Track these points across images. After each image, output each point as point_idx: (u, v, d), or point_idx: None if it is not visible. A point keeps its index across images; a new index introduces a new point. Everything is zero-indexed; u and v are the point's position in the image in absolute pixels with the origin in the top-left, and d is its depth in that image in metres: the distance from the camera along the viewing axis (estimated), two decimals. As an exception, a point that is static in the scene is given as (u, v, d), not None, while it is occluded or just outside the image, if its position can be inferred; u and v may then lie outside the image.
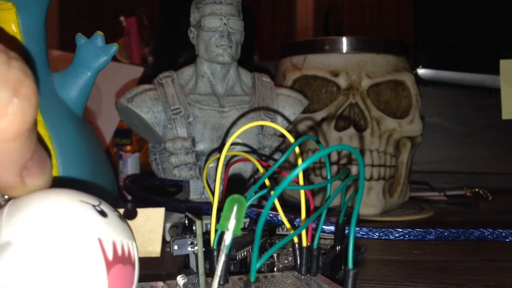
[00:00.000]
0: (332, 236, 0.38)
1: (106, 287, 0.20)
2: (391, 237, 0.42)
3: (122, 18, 1.11)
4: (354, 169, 0.60)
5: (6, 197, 0.22)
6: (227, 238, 0.24)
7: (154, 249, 0.26)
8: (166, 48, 0.90)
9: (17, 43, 0.39)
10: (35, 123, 0.21)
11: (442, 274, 0.38)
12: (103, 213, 0.22)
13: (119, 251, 0.21)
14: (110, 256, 0.21)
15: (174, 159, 0.47)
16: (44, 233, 0.20)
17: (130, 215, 0.25)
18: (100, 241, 0.21)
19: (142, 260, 0.26)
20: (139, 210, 0.26)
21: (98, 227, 0.21)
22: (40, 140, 0.22)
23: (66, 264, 0.20)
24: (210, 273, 0.28)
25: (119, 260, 0.21)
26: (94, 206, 0.22)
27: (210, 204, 0.44)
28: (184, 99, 0.49)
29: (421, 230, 0.42)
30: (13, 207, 0.21)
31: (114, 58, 0.81)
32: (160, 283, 0.28)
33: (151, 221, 0.26)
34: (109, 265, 0.21)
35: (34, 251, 0.19)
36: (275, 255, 0.35)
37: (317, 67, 0.64)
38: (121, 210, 0.25)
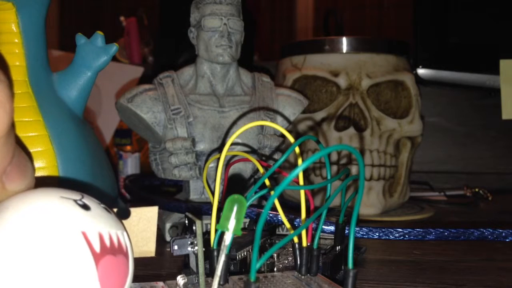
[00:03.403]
0: (332, 236, 0.38)
1: (96, 280, 0.20)
2: (391, 237, 0.42)
3: (122, 18, 1.11)
4: (354, 169, 0.60)
5: None
6: (227, 238, 0.24)
7: (148, 248, 0.26)
8: (166, 48, 0.90)
9: (17, 44, 0.39)
10: (12, 128, 0.21)
11: (442, 274, 0.38)
12: (85, 207, 0.22)
13: (107, 242, 0.21)
14: (97, 248, 0.21)
15: (174, 159, 0.47)
16: (26, 233, 0.20)
17: (123, 214, 0.25)
18: (84, 234, 0.21)
19: (142, 260, 0.26)
20: (132, 209, 0.26)
21: (81, 220, 0.21)
22: (19, 143, 0.22)
23: (51, 261, 0.19)
24: (210, 273, 0.28)
25: (108, 251, 0.21)
26: (75, 200, 0.22)
27: (210, 204, 0.44)
28: (184, 99, 0.49)
29: (421, 230, 0.42)
30: None
31: (114, 58, 0.81)
32: (160, 283, 0.28)
33: (145, 220, 0.26)
34: (97, 257, 0.20)
35: (19, 252, 0.19)
36: (275, 255, 0.35)
37: (317, 67, 0.64)
38: (114, 210, 0.25)
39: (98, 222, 0.21)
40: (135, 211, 0.26)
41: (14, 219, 0.20)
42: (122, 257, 0.22)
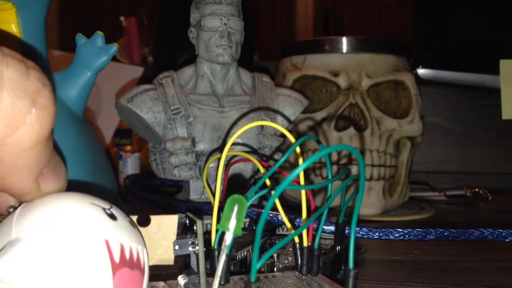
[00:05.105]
0: (332, 236, 0.38)
1: None
2: (391, 237, 0.42)
3: (122, 18, 1.11)
4: (354, 169, 0.60)
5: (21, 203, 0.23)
6: (228, 238, 0.24)
7: (167, 256, 0.26)
8: (166, 48, 0.90)
9: (17, 44, 0.39)
10: (52, 131, 0.21)
11: (442, 274, 0.38)
12: (112, 216, 0.22)
13: (127, 255, 0.21)
14: (116, 258, 0.21)
15: (174, 159, 0.47)
16: (51, 231, 0.20)
17: (143, 222, 0.25)
18: (107, 242, 0.21)
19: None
20: (152, 217, 0.26)
21: (106, 229, 0.21)
22: (54, 146, 0.22)
23: (71, 262, 0.20)
24: (210, 273, 0.28)
25: (126, 263, 0.21)
26: (104, 209, 0.22)
27: (210, 204, 0.44)
28: (184, 99, 0.49)
29: (421, 230, 0.42)
30: (24, 208, 0.21)
31: (114, 58, 0.81)
32: (161, 283, 0.28)
33: (164, 228, 0.26)
34: (115, 267, 0.21)
35: (41, 247, 0.20)
36: (276, 255, 0.35)
37: (317, 67, 0.64)
38: (134, 217, 0.25)
39: (121, 233, 0.22)
40: (155, 219, 0.26)
41: (41, 218, 0.20)
42: (138, 272, 0.22)
